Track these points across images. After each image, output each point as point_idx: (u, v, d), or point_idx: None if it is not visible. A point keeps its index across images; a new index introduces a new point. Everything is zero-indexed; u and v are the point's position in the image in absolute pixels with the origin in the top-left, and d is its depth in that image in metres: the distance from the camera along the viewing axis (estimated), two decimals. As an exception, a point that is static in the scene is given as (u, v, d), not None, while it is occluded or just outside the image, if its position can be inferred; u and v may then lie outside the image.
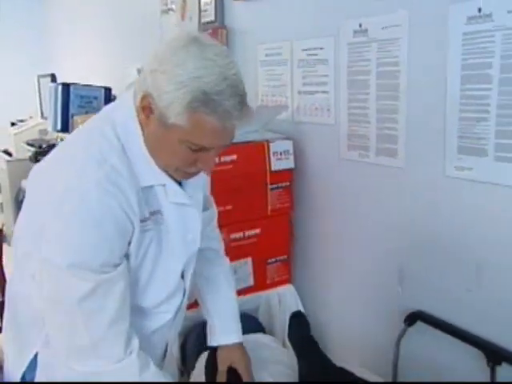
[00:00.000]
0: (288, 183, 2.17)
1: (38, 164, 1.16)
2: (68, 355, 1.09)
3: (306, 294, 2.27)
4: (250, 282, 2.15)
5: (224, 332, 1.45)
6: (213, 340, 1.47)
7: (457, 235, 1.64)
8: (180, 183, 1.18)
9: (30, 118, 4.78)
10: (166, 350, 1.35)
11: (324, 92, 2.05)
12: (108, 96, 3.62)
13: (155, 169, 1.12)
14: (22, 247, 1.14)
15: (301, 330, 1.80)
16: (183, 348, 1.99)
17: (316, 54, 2.06)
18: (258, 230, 2.12)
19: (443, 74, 1.58)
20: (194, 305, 1.51)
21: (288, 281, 2.26)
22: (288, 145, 2.14)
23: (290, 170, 2.17)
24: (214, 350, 1.50)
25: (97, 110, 3.50)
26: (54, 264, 1.02)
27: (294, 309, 2.13)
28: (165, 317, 1.25)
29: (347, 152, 1.98)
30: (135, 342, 1.11)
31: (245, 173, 2.05)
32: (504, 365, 1.51)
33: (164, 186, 1.14)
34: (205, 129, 1.00)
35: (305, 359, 1.63)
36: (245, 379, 1.43)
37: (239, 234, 2.09)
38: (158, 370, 1.17)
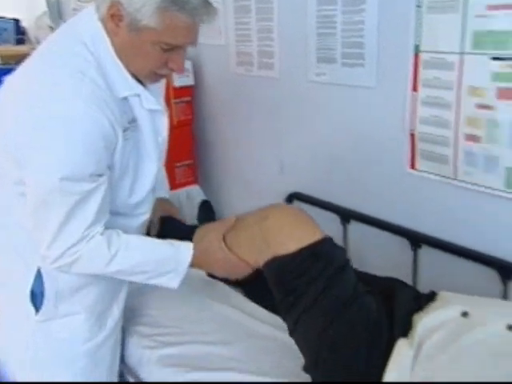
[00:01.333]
0: (189, 98, 2.50)
1: (8, 78, 1.15)
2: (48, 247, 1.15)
3: (210, 190, 2.66)
4: (162, 182, 2.51)
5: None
6: None
7: (318, 128, 2.04)
8: None
9: None
10: None
11: (215, 17, 2.37)
12: (17, 27, 3.72)
13: (129, 79, 1.16)
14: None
15: (207, 214, 2.21)
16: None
17: (208, -16, 2.36)
18: (165, 139, 2.45)
19: (305, -1, 1.94)
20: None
21: (194, 182, 2.63)
22: (188, 64, 2.44)
23: (190, 87, 2.49)
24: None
25: (7, 41, 3.62)
26: (44, 179, 1.07)
27: (199, 203, 2.54)
28: (143, 218, 1.34)
29: (236, 68, 2.34)
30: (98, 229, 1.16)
31: (150, 88, 2.35)
32: (352, 222, 2.01)
33: (139, 96, 1.19)
34: (176, 26, 1.07)
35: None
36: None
37: (149, 142, 2.41)
38: (125, 236, 1.21)
